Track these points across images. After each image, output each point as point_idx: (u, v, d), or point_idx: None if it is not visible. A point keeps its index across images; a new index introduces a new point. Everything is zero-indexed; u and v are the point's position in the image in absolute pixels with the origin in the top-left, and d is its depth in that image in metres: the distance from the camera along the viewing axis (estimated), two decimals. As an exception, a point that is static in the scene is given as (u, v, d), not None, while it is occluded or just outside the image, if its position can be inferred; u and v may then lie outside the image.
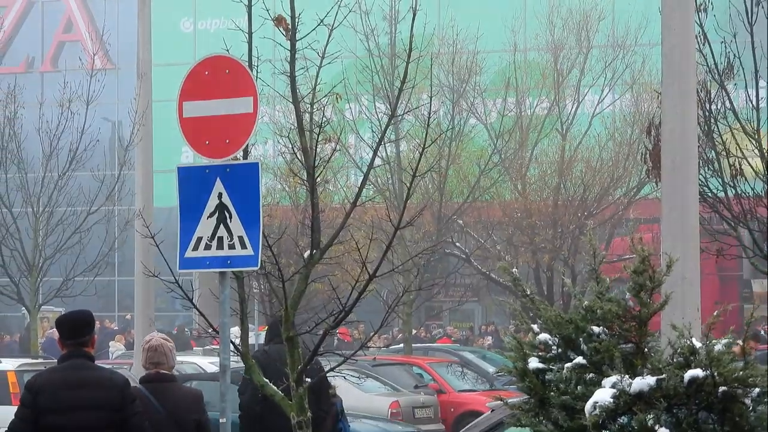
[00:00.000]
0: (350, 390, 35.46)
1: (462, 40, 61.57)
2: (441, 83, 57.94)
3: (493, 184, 60.45)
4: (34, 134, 55.93)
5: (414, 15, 23.63)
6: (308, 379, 22.31)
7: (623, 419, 17.76)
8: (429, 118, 45.33)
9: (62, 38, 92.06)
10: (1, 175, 54.94)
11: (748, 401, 17.86)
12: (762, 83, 34.84)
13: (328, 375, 24.45)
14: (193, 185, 19.36)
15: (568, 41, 65.43)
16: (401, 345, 59.45)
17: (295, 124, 22.17)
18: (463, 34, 61.51)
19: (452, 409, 44.46)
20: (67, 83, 55.48)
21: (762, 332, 60.88)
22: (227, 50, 20.22)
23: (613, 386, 17.82)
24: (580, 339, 18.34)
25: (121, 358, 61.93)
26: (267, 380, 21.86)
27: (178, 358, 22.28)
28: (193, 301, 23.06)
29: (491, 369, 48.73)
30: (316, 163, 22.67)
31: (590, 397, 17.83)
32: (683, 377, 17.81)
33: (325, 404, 22.98)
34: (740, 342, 18.72)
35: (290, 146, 25.75)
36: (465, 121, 60.65)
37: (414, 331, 63.05)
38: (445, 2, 56.15)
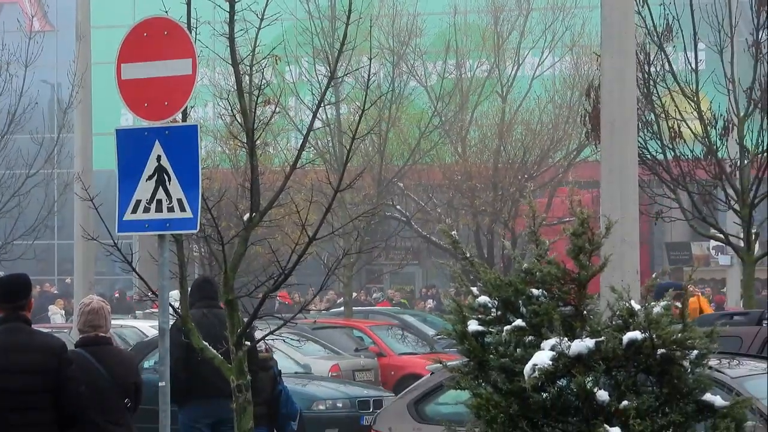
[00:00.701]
0: (290, 353, 35.57)
1: (402, 2, 61.65)
2: (381, 45, 57.93)
3: (434, 146, 60.54)
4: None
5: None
6: (248, 343, 22.40)
7: (562, 382, 17.81)
8: (369, 80, 45.39)
9: (4, 1, 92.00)
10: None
11: (686, 363, 17.96)
12: (701, 46, 34.91)
13: (267, 338, 24.51)
14: (131, 148, 19.37)
15: (508, 3, 65.52)
16: (342, 308, 59.48)
17: (235, 87, 22.19)
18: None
19: (392, 372, 44.49)
20: (5, 45, 55.42)
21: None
22: (166, 12, 20.21)
23: (552, 349, 17.87)
24: (520, 301, 18.39)
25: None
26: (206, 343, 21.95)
27: (119, 322, 22.29)
28: (133, 264, 23.05)
29: (431, 332, 48.88)
30: (256, 126, 22.68)
31: (529, 359, 17.87)
32: (622, 340, 17.89)
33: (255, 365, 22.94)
34: (678, 304, 18.83)
35: (230, 109, 25.69)
36: (405, 84, 60.70)
37: (354, 294, 63.05)
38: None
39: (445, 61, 64.05)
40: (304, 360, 40.53)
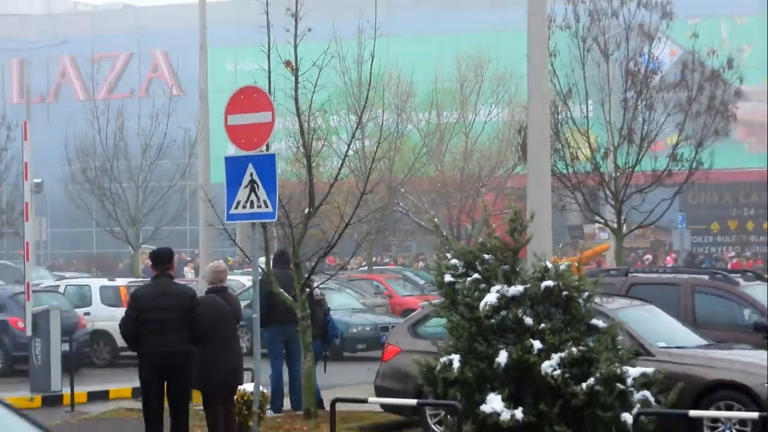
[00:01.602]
0: (333, 295, 35.64)
1: (403, 74, 61.44)
2: (389, 102, 57.79)
3: (423, 166, 60.23)
4: (135, 137, 55.91)
5: (372, 59, 23.77)
6: (307, 290, 22.54)
7: (503, 313, 17.93)
8: (382, 124, 45.33)
9: (152, 76, 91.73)
10: (114, 163, 54.86)
11: (580, 300, 18.03)
12: (590, 102, 34.91)
13: (320, 286, 24.63)
14: (235, 168, 19.48)
15: (469, 75, 65.28)
16: (366, 267, 59.48)
17: (299, 129, 22.35)
18: (403, 71, 61.42)
19: (398, 307, 44.57)
20: (155, 105, 55.52)
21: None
22: (255, 82, 20.35)
23: (497, 292, 17.96)
24: (477, 263, 18.48)
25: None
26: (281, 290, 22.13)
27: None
28: (236, 241, 23.18)
29: (422, 282, 48.92)
30: (312, 154, 22.90)
31: (482, 299, 17.97)
32: (540, 286, 17.99)
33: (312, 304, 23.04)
34: (576, 264, 18.93)
35: (295, 143, 25.95)
36: (405, 126, 60.44)
37: (373, 259, 63.04)
38: (393, 50, 56.03)
39: (429, 112, 63.79)
40: (362, 300, 40.87)
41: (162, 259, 18.16)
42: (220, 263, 20.27)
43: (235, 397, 18.83)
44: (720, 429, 18.62)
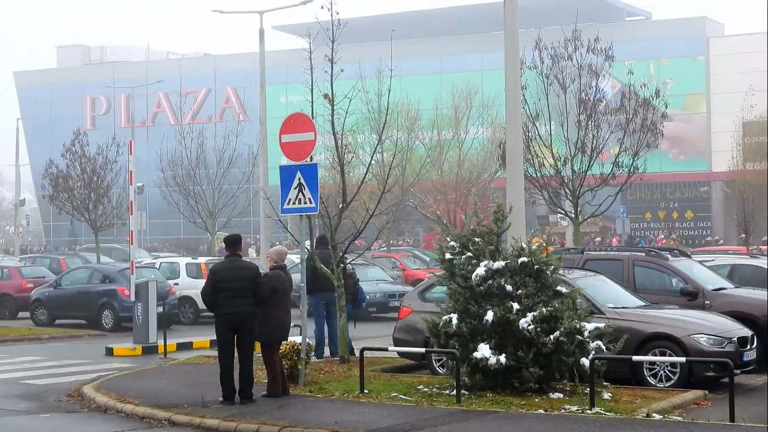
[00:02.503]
0: (361, 269, 35.31)
1: (412, 102, 61.26)
2: (402, 124, 57.65)
3: (427, 171, 60.17)
4: (212, 152, 55.87)
5: (389, 92, 23.54)
6: (341, 265, 22.29)
7: (490, 282, 17.72)
8: (397, 141, 44.94)
9: (225, 106, 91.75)
10: (196, 171, 54.82)
11: (548, 272, 17.80)
12: (553, 123, 34.74)
13: (351, 262, 24.40)
14: (287, 174, 19.24)
15: (461, 103, 65.12)
16: (385, 248, 59.22)
17: (334, 145, 22.10)
18: (412, 101, 61.26)
19: (409, 278, 44.22)
20: (227, 128, 55.51)
21: (555, 240, 60.94)
22: (301, 110, 20.11)
23: (485, 266, 17.75)
24: (469, 244, 18.26)
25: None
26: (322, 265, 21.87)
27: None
28: (287, 228, 22.96)
29: (428, 258, 48.56)
30: (344, 163, 22.64)
31: (474, 271, 17.76)
32: (518, 261, 17.75)
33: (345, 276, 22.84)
34: (544, 244, 18.65)
35: (331, 155, 25.73)
36: (414, 142, 60.36)
37: (391, 242, 62.82)
38: (404, 85, 55.83)
39: (432, 131, 63.78)
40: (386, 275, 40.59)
41: (233, 243, 18.05)
42: (282, 247, 20.25)
43: (287, 346, 18.65)
44: (655, 370, 18.40)
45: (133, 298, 28.37)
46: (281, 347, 18.37)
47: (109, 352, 27.26)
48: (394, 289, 37.29)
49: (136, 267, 30.02)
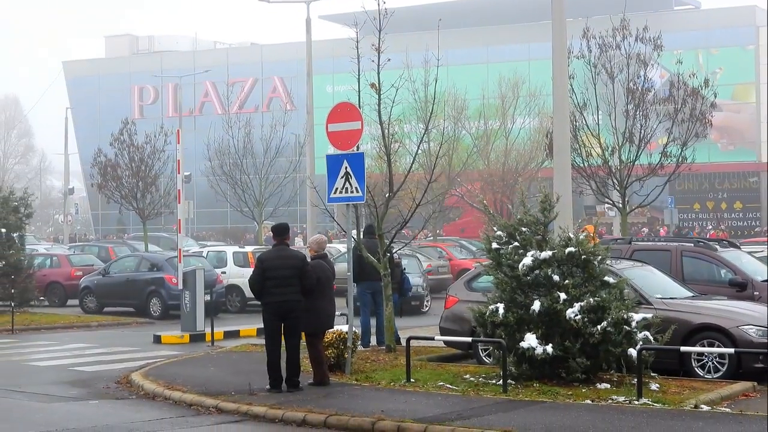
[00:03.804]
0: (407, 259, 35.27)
1: (459, 92, 61.07)
2: (448, 114, 57.50)
3: (474, 161, 60.03)
4: (258, 141, 55.99)
5: (435, 82, 23.52)
6: (388, 254, 22.32)
7: (537, 272, 17.71)
8: (443, 131, 44.93)
9: (271, 95, 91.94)
10: (243, 161, 54.96)
11: (596, 262, 17.75)
12: (600, 112, 34.60)
13: (397, 251, 24.41)
14: (334, 163, 19.27)
15: (508, 93, 64.97)
16: (431, 237, 59.13)
17: (381, 134, 22.12)
18: (458, 90, 61.08)
19: (456, 268, 44.05)
20: (273, 117, 55.60)
21: (601, 231, 60.76)
22: (348, 99, 20.13)
23: (532, 256, 17.73)
24: (516, 233, 18.24)
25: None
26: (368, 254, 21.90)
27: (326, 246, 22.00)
28: (334, 217, 23.04)
29: (475, 248, 48.43)
30: (390, 152, 22.65)
31: (521, 261, 17.74)
32: (565, 251, 17.71)
33: (392, 265, 22.87)
34: (591, 235, 18.62)
35: (378, 144, 25.78)
36: (460, 132, 60.20)
37: (437, 231, 62.72)
38: (451, 75, 55.64)
39: (478, 121, 63.63)
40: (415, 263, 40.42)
41: (280, 231, 18.08)
42: (322, 236, 20.29)
43: (333, 335, 18.70)
44: (703, 361, 18.28)
45: (180, 287, 28.55)
46: (325, 336, 18.42)
47: (157, 339, 27.45)
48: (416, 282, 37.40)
49: (183, 255, 30.20)
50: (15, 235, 35.63)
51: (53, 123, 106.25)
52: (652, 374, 17.05)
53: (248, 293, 34.79)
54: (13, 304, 32.19)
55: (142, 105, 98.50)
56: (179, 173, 30.35)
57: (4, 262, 34.86)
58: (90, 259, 44.88)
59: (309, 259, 18.76)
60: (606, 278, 17.66)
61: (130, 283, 35.77)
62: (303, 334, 17.99)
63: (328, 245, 22.52)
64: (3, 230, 35.00)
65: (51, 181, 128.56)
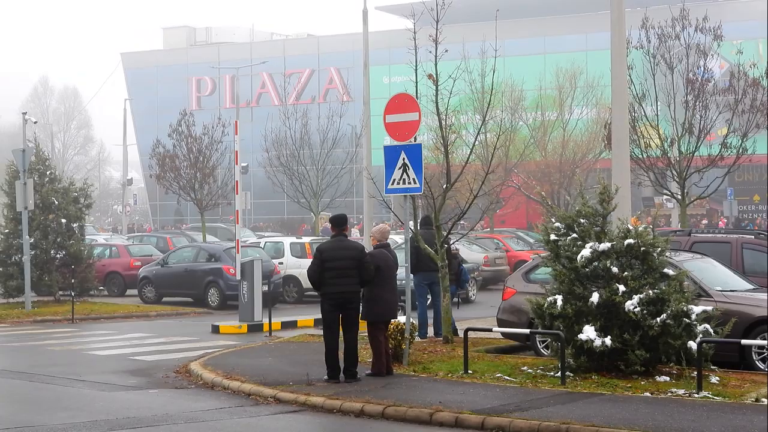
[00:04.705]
0: (464, 250, 35.26)
1: (515, 84, 60.88)
2: (505, 105, 57.42)
3: (531, 152, 59.82)
4: (315, 132, 56.14)
5: (493, 73, 23.45)
6: (445, 245, 22.29)
7: (595, 263, 17.62)
8: (501, 122, 44.75)
9: (328, 87, 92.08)
10: (300, 152, 55.11)
11: (655, 254, 17.62)
12: (659, 103, 34.37)
13: (455, 242, 24.38)
14: (391, 155, 19.25)
15: (565, 84, 64.64)
16: (488, 229, 58.99)
17: (438, 125, 22.08)
18: (516, 81, 60.90)
19: (513, 259, 43.94)
20: (330, 108, 55.72)
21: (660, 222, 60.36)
22: (406, 90, 20.09)
23: (590, 248, 17.63)
24: (575, 225, 18.15)
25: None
26: (426, 245, 21.88)
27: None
28: (391, 208, 23.02)
29: (532, 240, 48.26)
30: (448, 143, 22.62)
31: (579, 253, 17.65)
32: (624, 243, 17.61)
33: (449, 256, 22.86)
34: (651, 227, 18.48)
35: (435, 136, 25.76)
36: (517, 123, 60.03)
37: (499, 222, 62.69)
38: (508, 66, 55.36)
39: (535, 111, 63.35)
40: (470, 254, 40.36)
41: (339, 222, 18.12)
42: (386, 226, 20.16)
43: (391, 326, 18.68)
44: (764, 354, 18.11)
45: (238, 277, 28.68)
46: (388, 326, 18.42)
47: (215, 329, 27.60)
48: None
49: (241, 246, 30.33)
50: (75, 225, 35.94)
51: (112, 114, 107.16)
52: (711, 367, 16.90)
53: (305, 284, 34.92)
54: (73, 293, 32.51)
55: (199, 96, 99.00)
56: (237, 164, 30.48)
57: (64, 252, 35.22)
58: (148, 249, 45.23)
59: (372, 248, 18.81)
60: (665, 270, 17.53)
61: (189, 273, 36.01)
62: (365, 323, 18.01)
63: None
64: (63, 221, 35.32)
65: (110, 171, 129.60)
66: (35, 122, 42.62)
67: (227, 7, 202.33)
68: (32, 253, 33.73)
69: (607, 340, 16.91)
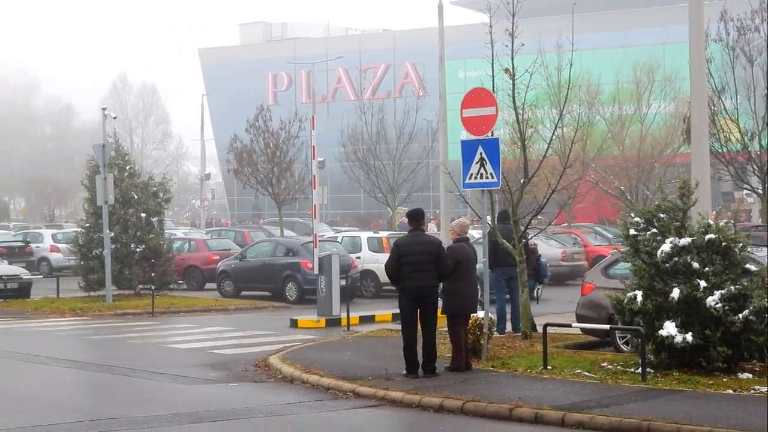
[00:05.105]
0: (542, 245, 35.05)
1: (591, 78, 60.49)
2: (582, 99, 57.05)
3: (608, 147, 59.46)
4: (391, 127, 56.21)
5: (570, 67, 23.31)
6: (523, 240, 22.20)
7: (676, 259, 17.43)
8: (578, 116, 44.45)
9: (404, 82, 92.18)
10: (376, 146, 55.22)
11: (737, 249, 17.43)
12: (739, 97, 34.00)
13: (532, 237, 24.30)
14: (468, 149, 19.17)
15: (643, 77, 64.11)
16: (565, 224, 58.67)
17: (515, 119, 21.98)
18: (592, 75, 60.51)
19: (591, 254, 43.62)
20: (406, 103, 55.76)
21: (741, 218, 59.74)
22: (482, 84, 20.01)
23: (670, 243, 17.46)
24: (654, 220, 18.00)
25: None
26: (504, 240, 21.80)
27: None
28: (468, 203, 22.98)
29: (611, 236, 47.90)
30: (525, 138, 22.53)
31: (659, 248, 17.48)
32: (704, 238, 17.44)
33: (527, 251, 22.79)
34: (732, 221, 18.27)
35: (512, 130, 25.63)
36: (594, 117, 59.65)
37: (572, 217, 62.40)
38: (584, 60, 55.03)
39: (612, 106, 62.91)
40: (548, 249, 40.08)
41: (416, 217, 18.09)
42: (465, 220, 20.11)
43: (470, 321, 18.62)
44: None
45: (316, 271, 28.76)
46: (468, 321, 18.37)
47: (294, 323, 27.72)
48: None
49: (319, 241, 30.43)
50: (154, 219, 36.24)
51: (189, 109, 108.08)
52: (796, 364, 16.68)
53: (383, 278, 34.97)
54: (153, 287, 32.81)
55: (275, 91, 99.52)
56: (314, 159, 30.59)
57: (144, 246, 35.54)
58: (227, 243, 45.51)
59: (451, 242, 18.78)
60: (747, 266, 17.31)
61: (267, 267, 36.19)
62: (445, 317, 17.98)
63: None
64: (143, 215, 35.66)
65: (188, 166, 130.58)
66: (115, 118, 43.03)
67: (303, 3, 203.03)
68: (113, 247, 34.06)
69: (688, 337, 16.72)
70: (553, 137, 26.09)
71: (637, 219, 18.29)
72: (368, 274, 37.19)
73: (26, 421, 14.46)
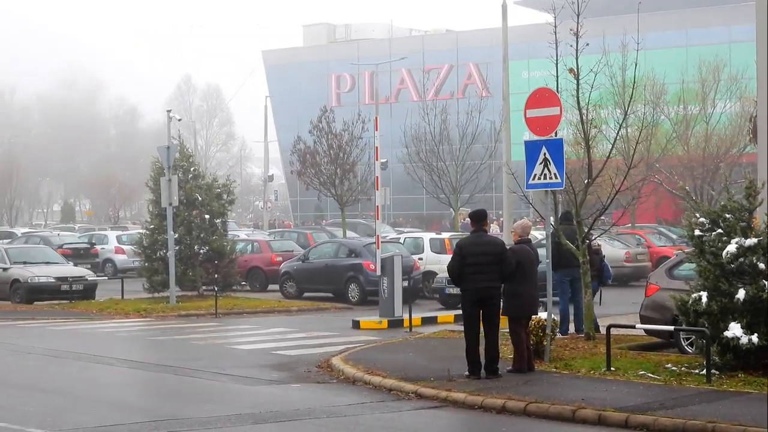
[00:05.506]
0: (606, 246, 34.83)
1: (657, 76, 60.01)
2: (647, 98, 56.55)
3: (673, 147, 59.02)
4: (455, 128, 56.16)
5: (635, 66, 23.17)
6: (587, 241, 22.11)
7: (741, 259, 17.29)
8: (643, 116, 44.20)
9: (467, 82, 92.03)
10: (439, 147, 55.21)
11: (805, 250, 17.21)
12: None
13: (596, 238, 24.20)
14: (532, 150, 19.11)
15: (708, 77, 63.51)
16: (629, 224, 58.27)
17: (579, 120, 21.89)
18: (657, 75, 60.04)
19: (654, 255, 43.29)
20: (469, 104, 55.71)
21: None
22: (546, 84, 19.94)
23: (736, 243, 17.33)
24: (720, 220, 17.86)
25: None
26: (566, 241, 21.71)
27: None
28: (531, 203, 22.93)
29: (675, 236, 47.52)
30: (589, 138, 22.43)
31: (725, 248, 17.34)
32: (772, 238, 17.26)
33: (591, 252, 22.66)
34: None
35: (576, 130, 25.54)
36: (659, 116, 59.18)
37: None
38: (649, 59, 54.48)
39: (677, 105, 62.44)
40: (611, 250, 39.80)
41: (479, 218, 18.08)
42: (527, 221, 20.12)
43: (532, 322, 18.58)
44: None
45: (378, 273, 28.80)
46: (529, 322, 18.34)
47: (356, 324, 27.77)
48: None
49: (381, 242, 30.46)
50: (218, 221, 36.41)
51: (253, 111, 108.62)
52: None
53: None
54: (216, 288, 33.00)
55: (339, 93, 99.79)
56: (377, 160, 30.63)
57: (208, 248, 35.74)
58: (289, 245, 45.68)
59: (513, 244, 18.75)
60: (815, 267, 17.14)
61: (329, 269, 36.28)
62: (506, 319, 17.95)
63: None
64: (207, 216, 35.84)
65: (251, 168, 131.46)
66: (179, 120, 43.39)
67: (366, 4, 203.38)
68: (177, 248, 34.32)
69: (754, 338, 16.57)
70: (617, 137, 25.90)
71: (702, 219, 18.16)
72: (431, 275, 37.14)
73: (90, 421, 14.63)
